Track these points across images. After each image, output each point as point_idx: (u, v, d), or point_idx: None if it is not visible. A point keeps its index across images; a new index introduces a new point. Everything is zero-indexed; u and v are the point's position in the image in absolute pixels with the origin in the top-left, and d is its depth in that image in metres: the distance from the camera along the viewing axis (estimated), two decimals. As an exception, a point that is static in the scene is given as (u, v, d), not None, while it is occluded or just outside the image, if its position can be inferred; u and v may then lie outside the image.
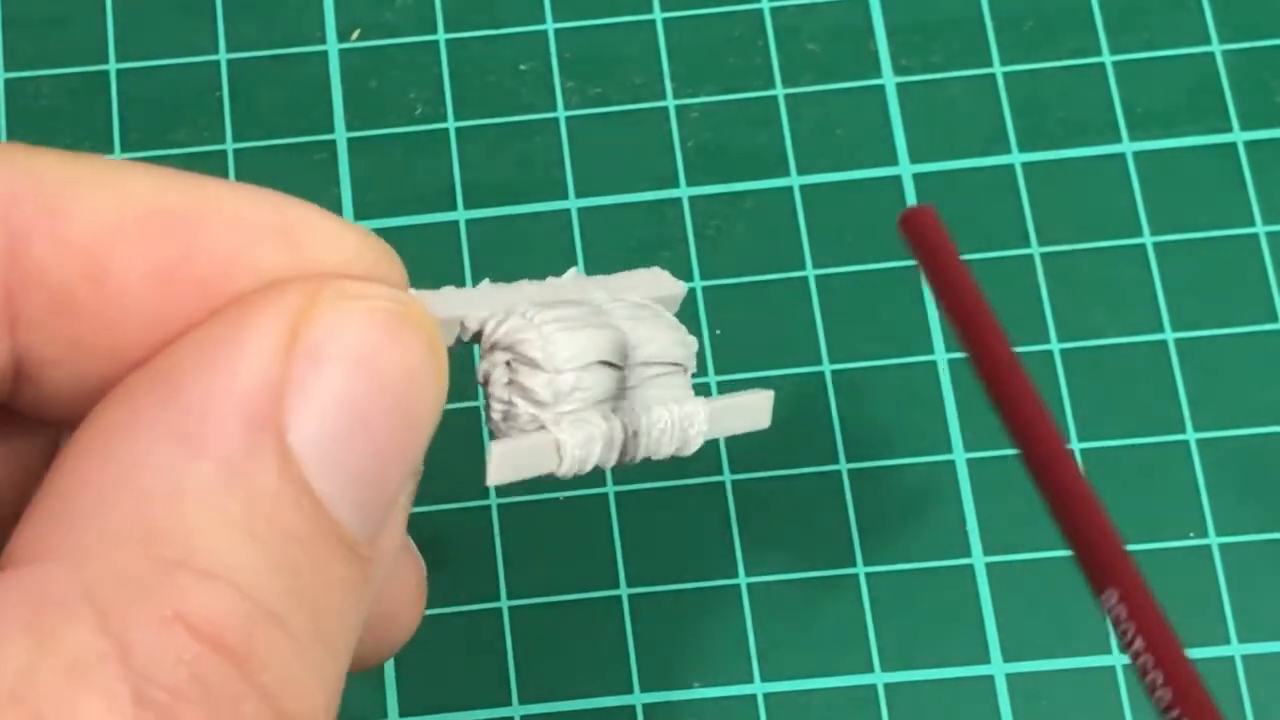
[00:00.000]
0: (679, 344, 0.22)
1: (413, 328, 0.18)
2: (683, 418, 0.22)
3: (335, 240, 0.19)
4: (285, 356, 0.17)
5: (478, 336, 0.21)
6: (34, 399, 0.19)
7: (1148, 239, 0.39)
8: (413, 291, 0.20)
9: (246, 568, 0.16)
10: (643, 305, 0.22)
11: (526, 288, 0.21)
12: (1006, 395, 0.19)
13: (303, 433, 0.17)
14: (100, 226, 0.18)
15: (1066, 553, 0.37)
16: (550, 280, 0.22)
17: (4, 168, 0.18)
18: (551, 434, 0.20)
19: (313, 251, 0.19)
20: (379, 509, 0.18)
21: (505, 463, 0.20)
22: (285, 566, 0.17)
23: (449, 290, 0.21)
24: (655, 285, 0.23)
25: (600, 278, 0.22)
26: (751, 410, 0.22)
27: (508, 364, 0.20)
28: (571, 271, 0.22)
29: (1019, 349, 0.38)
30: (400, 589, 0.22)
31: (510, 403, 0.21)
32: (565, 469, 0.21)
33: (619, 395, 0.21)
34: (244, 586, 0.16)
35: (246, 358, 0.17)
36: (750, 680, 0.36)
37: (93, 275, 0.18)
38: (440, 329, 0.19)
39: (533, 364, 0.20)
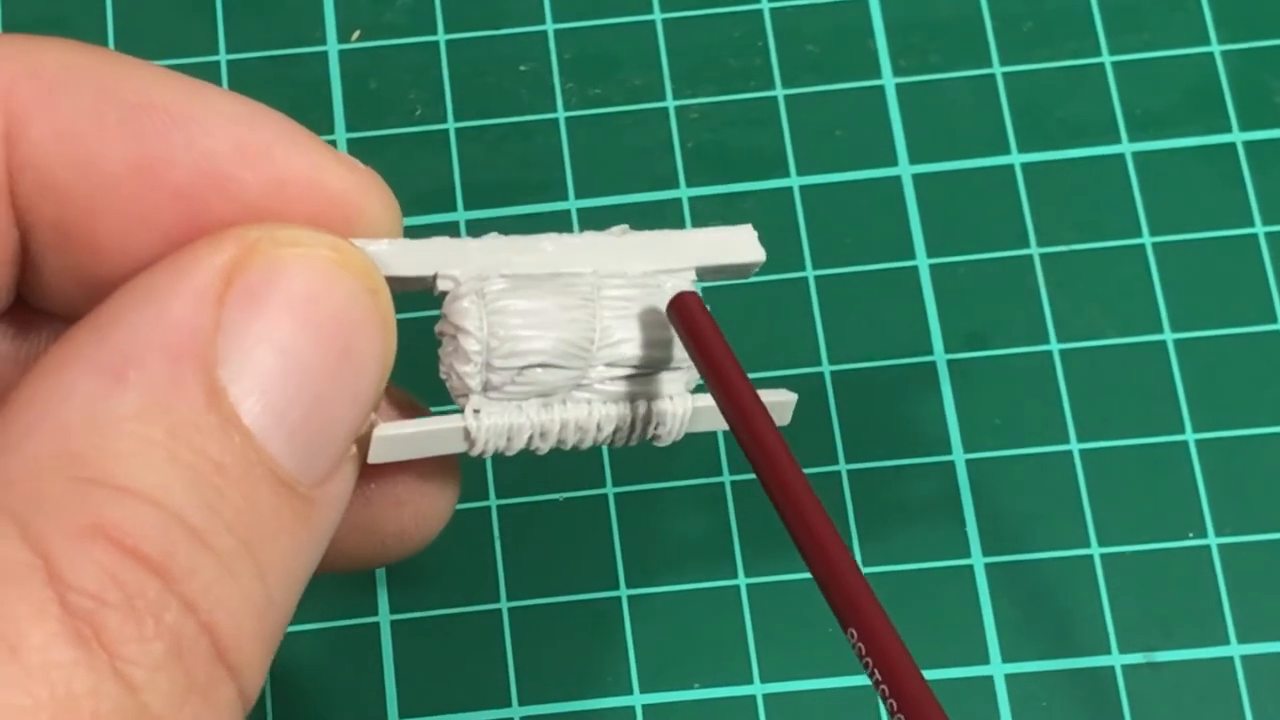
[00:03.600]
0: (673, 341, 0.21)
1: (350, 274, 0.19)
2: (650, 416, 0.21)
3: (322, 172, 0.20)
4: (219, 300, 0.18)
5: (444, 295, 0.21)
6: (42, 291, 0.20)
7: (1147, 239, 0.39)
8: (384, 241, 0.20)
9: (166, 486, 0.17)
10: (647, 284, 0.21)
11: (504, 251, 0.21)
12: (758, 445, 0.20)
13: (234, 372, 0.17)
14: (90, 115, 0.19)
15: (1066, 553, 0.37)
16: (546, 243, 0.21)
17: (7, 55, 0.19)
18: (460, 421, 0.20)
19: (295, 181, 0.19)
20: (321, 450, 0.18)
21: (388, 446, 0.20)
22: (208, 490, 0.17)
23: (425, 242, 0.20)
24: (719, 251, 0.22)
25: (656, 234, 0.22)
26: (771, 410, 0.22)
27: (453, 335, 0.20)
28: (620, 228, 0.21)
29: (1019, 349, 0.39)
30: (406, 510, 0.22)
31: (447, 374, 0.21)
32: (479, 453, 0.21)
33: (574, 385, 0.21)
34: (162, 502, 0.17)
35: (178, 300, 0.18)
36: (750, 680, 0.36)
37: (79, 162, 0.19)
38: (382, 277, 0.19)
39: (466, 357, 0.20)
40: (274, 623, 0.18)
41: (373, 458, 0.20)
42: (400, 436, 0.20)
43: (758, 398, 0.20)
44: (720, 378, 0.20)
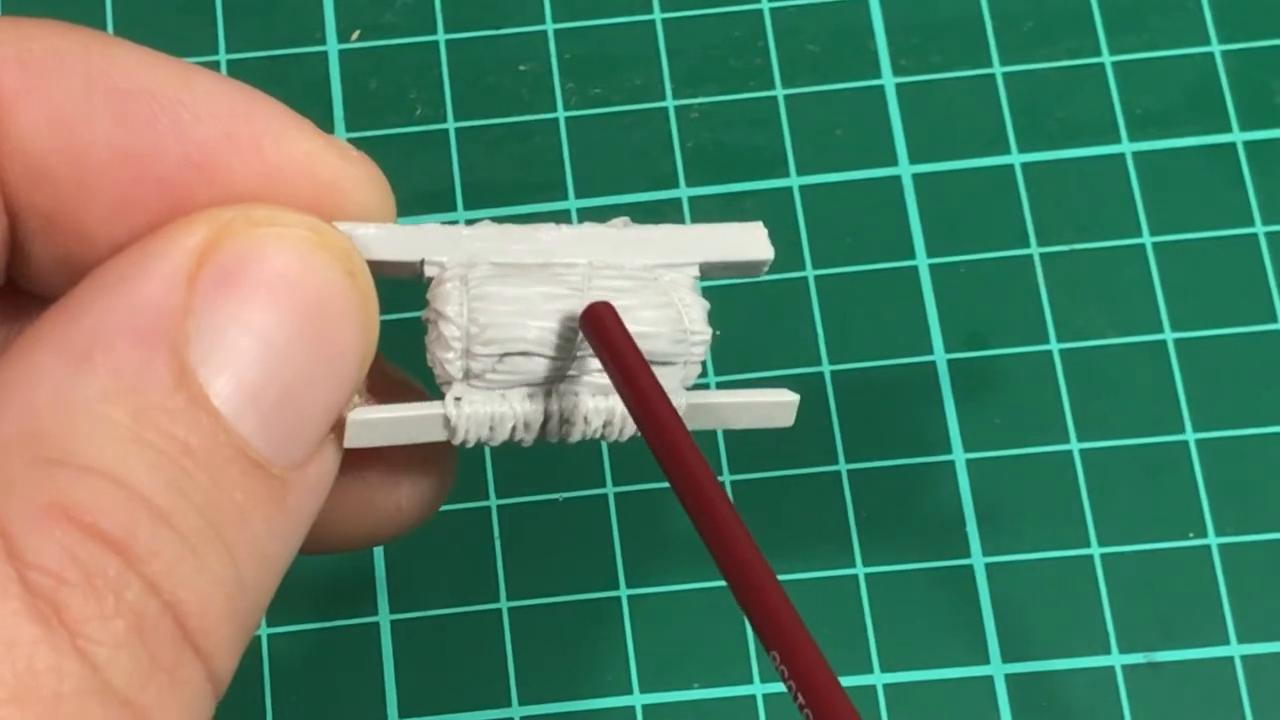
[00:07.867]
0: (666, 335, 0.21)
1: (328, 255, 0.18)
2: None
3: (313, 160, 0.19)
4: (190, 281, 0.17)
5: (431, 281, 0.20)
6: (32, 275, 0.20)
7: (1147, 239, 0.39)
8: (373, 225, 0.20)
9: (129, 466, 0.17)
10: (644, 277, 0.21)
11: (496, 239, 0.20)
12: (676, 459, 0.19)
13: (204, 353, 0.17)
14: (78, 101, 0.18)
15: (1066, 553, 0.37)
16: (542, 233, 0.21)
17: None
18: (441, 408, 0.20)
19: (285, 169, 0.19)
20: (297, 433, 0.18)
21: (364, 430, 0.20)
22: (173, 470, 0.17)
23: (415, 227, 0.20)
24: (726, 248, 0.21)
25: (659, 228, 0.21)
26: (773, 410, 0.22)
27: (435, 321, 0.20)
28: (622, 220, 0.21)
29: (1019, 349, 0.39)
30: (403, 489, 0.22)
31: (432, 361, 0.20)
32: (460, 441, 0.20)
33: (562, 377, 0.20)
34: (125, 482, 0.16)
35: (148, 282, 0.17)
36: (750, 680, 0.36)
37: (67, 149, 0.19)
38: (362, 260, 0.19)
39: (446, 343, 0.20)
40: (247, 605, 0.18)
41: (349, 442, 0.19)
42: (377, 421, 0.20)
43: (670, 404, 0.19)
44: (633, 387, 0.19)
